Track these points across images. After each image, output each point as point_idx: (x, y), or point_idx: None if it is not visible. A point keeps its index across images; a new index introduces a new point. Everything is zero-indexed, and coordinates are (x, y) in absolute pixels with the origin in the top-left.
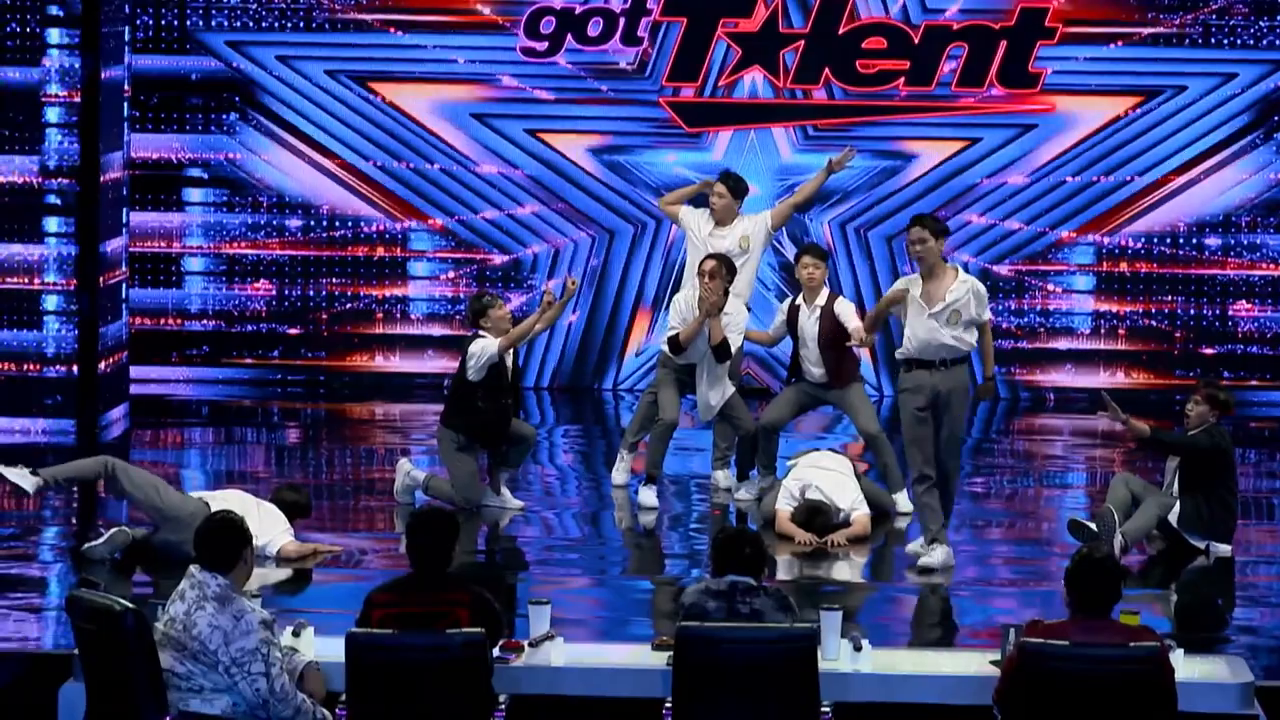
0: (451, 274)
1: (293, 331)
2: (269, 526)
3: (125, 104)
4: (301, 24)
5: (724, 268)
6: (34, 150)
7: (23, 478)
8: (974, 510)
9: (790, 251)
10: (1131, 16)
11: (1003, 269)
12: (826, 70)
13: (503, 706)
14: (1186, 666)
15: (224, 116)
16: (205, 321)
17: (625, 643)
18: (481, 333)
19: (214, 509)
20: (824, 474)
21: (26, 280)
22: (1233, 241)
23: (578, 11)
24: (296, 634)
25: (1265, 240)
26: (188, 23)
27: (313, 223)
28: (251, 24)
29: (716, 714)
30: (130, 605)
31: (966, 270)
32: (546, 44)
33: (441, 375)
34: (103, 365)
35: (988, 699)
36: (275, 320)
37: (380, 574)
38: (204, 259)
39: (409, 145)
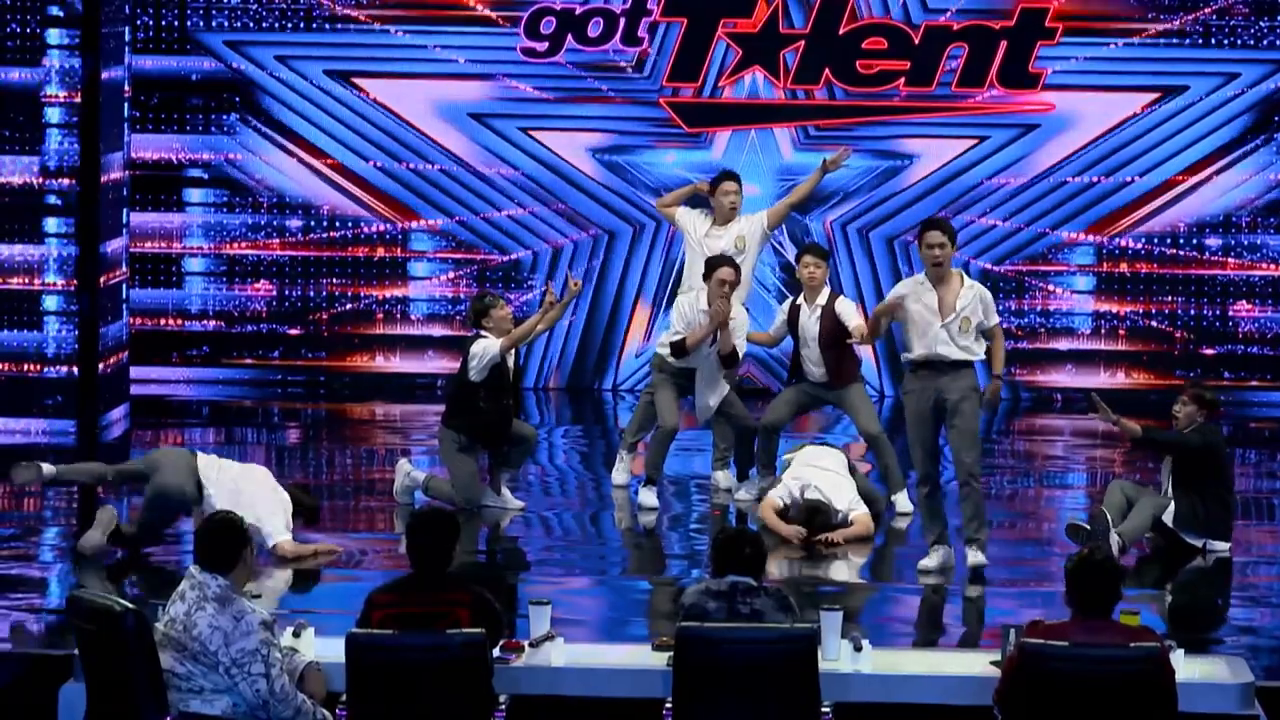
0: (451, 274)
1: (293, 332)
2: (276, 514)
3: (125, 104)
4: (302, 24)
5: (739, 276)
6: (34, 151)
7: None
8: (985, 508)
9: (790, 252)
10: (1132, 17)
11: (1003, 269)
12: (827, 70)
13: (503, 707)
14: (1187, 667)
15: (224, 117)
16: (205, 322)
17: (625, 643)
18: (483, 333)
19: (238, 482)
20: (822, 474)
21: (27, 281)
22: (1233, 242)
23: (578, 12)
24: (297, 634)
25: (1265, 240)
26: (188, 23)
27: (313, 223)
28: (251, 24)
29: (717, 714)
30: (130, 605)
31: (967, 272)
32: (547, 44)
33: (442, 376)
34: (103, 366)
35: (988, 699)
36: (275, 321)
37: (380, 574)
38: (204, 259)
39: (409, 146)
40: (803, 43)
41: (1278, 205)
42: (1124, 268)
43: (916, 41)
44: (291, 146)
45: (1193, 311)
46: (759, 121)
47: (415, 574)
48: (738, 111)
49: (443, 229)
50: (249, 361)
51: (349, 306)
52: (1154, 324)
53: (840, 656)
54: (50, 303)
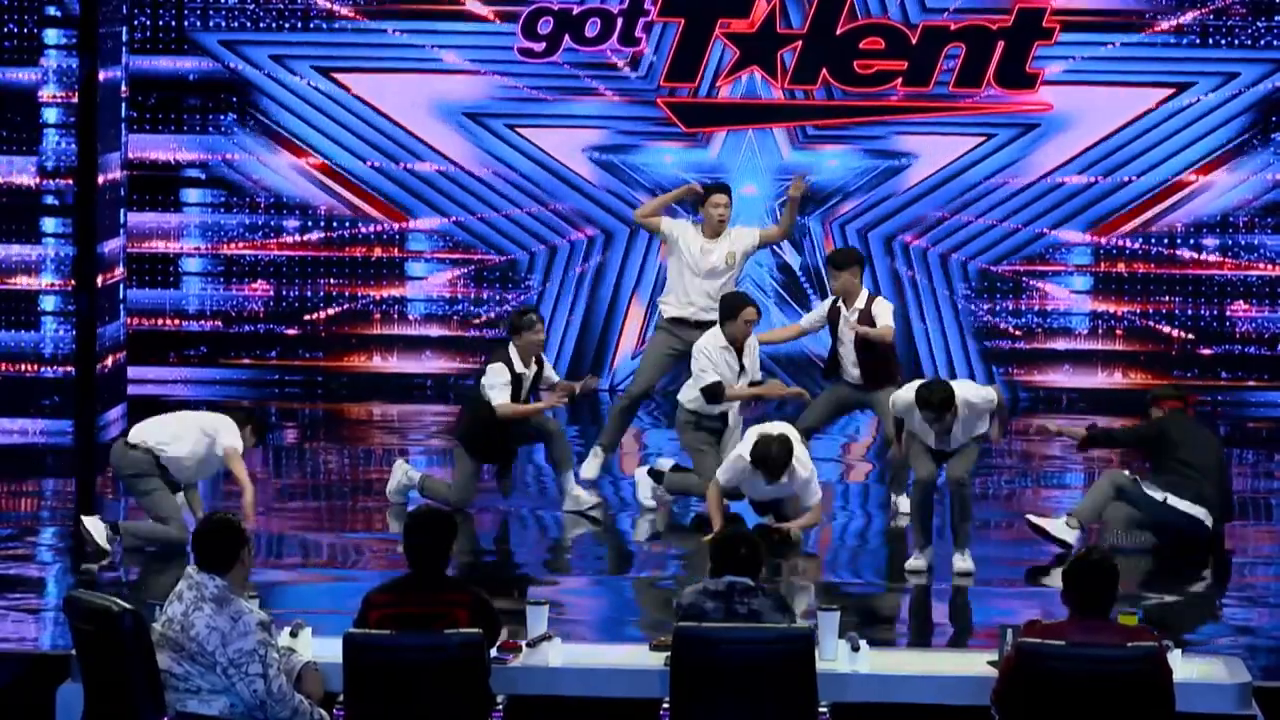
0: (449, 274)
1: (290, 332)
2: (221, 426)
3: (123, 105)
4: (299, 25)
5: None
6: (32, 151)
7: (99, 532)
8: (972, 510)
9: (789, 254)
10: (1130, 17)
11: (1001, 269)
12: (824, 70)
13: (500, 707)
14: (1184, 667)
15: (221, 117)
16: (203, 322)
17: (623, 643)
18: (513, 345)
19: (164, 439)
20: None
21: (24, 281)
22: (1230, 242)
23: (575, 12)
24: (294, 635)
25: (1263, 241)
26: (185, 23)
27: (310, 223)
28: (249, 24)
29: (714, 714)
30: (128, 606)
31: (966, 272)
32: (544, 44)
33: (440, 376)
34: (100, 366)
35: (985, 699)
36: (273, 321)
37: (377, 574)
38: (201, 259)
39: (405, 146)
40: (800, 43)
41: (1275, 206)
42: (1121, 268)
43: (914, 41)
44: (289, 146)
45: (1190, 312)
46: (756, 121)
47: (413, 574)
48: (735, 111)
49: (440, 229)
50: (246, 361)
51: (346, 307)
52: (1151, 324)
53: (838, 656)
54: (47, 303)
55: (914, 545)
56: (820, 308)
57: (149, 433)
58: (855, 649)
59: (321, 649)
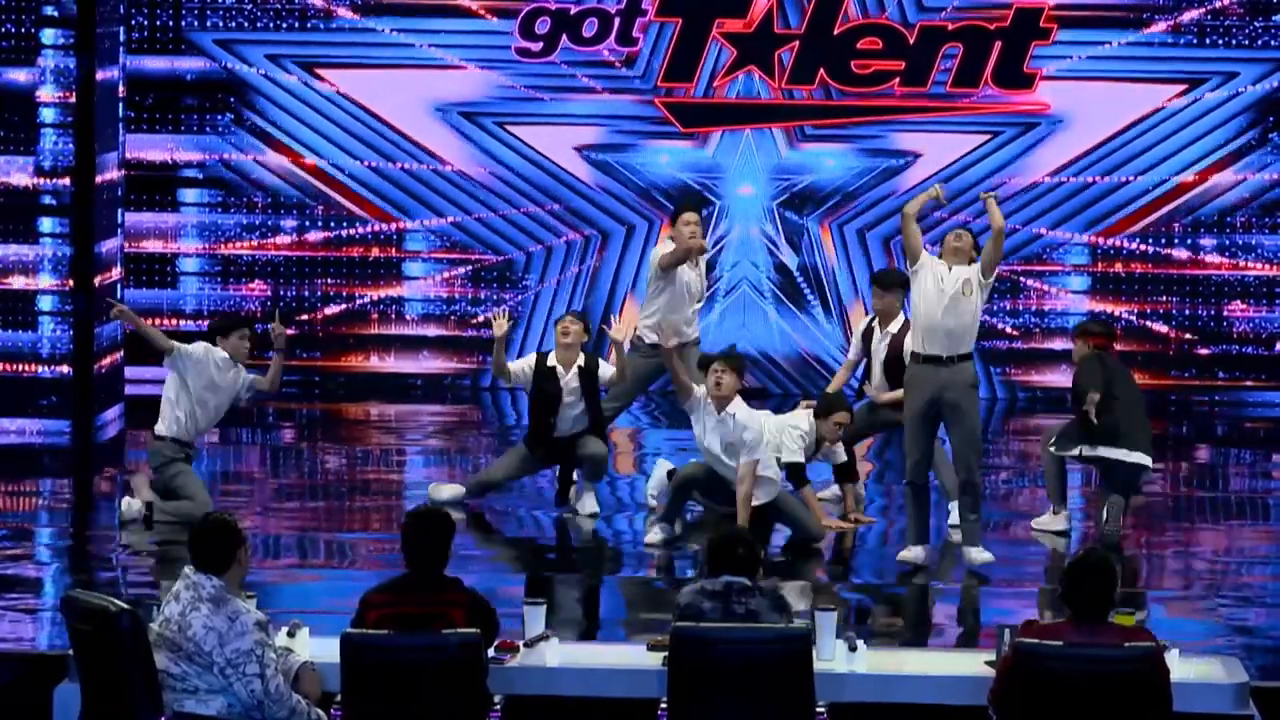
0: (446, 274)
1: (288, 332)
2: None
3: (120, 105)
4: (296, 24)
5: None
6: (29, 151)
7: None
8: (982, 509)
9: (785, 253)
10: (1128, 17)
11: (998, 269)
12: (821, 70)
13: (498, 707)
14: (1182, 667)
15: (219, 117)
16: (200, 322)
17: (620, 643)
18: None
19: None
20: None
21: (22, 281)
22: (1228, 242)
23: (573, 12)
24: (292, 634)
25: (1260, 241)
26: (182, 23)
27: (307, 223)
28: (246, 24)
29: (712, 714)
30: (125, 606)
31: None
32: (541, 44)
33: (438, 375)
34: (98, 366)
35: (983, 699)
36: (270, 320)
37: (375, 574)
38: (199, 259)
39: (402, 147)
40: (797, 42)
41: (1273, 205)
42: (1119, 268)
43: (911, 41)
44: (286, 146)
45: (1188, 311)
46: (754, 121)
47: (411, 574)
48: (733, 111)
49: (437, 229)
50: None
51: (344, 306)
52: (1149, 324)
53: (835, 656)
54: (45, 303)
55: (908, 538)
56: (855, 334)
57: (161, 413)
58: (853, 649)
59: (319, 649)
